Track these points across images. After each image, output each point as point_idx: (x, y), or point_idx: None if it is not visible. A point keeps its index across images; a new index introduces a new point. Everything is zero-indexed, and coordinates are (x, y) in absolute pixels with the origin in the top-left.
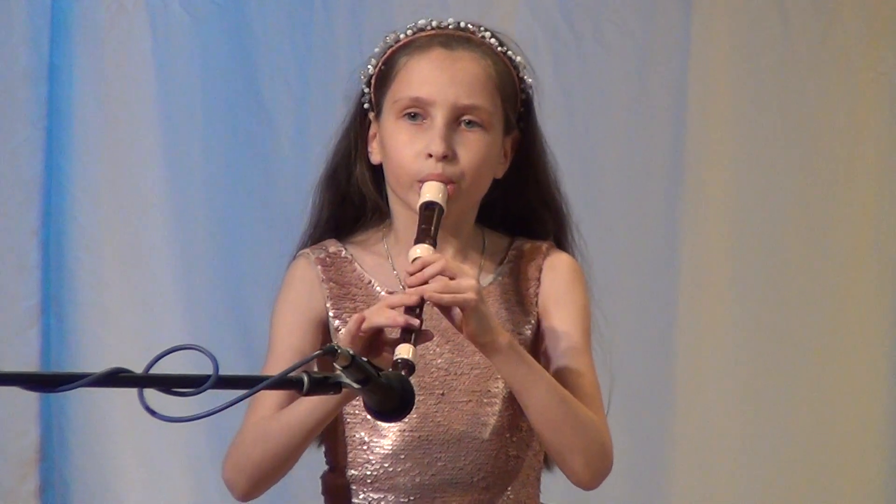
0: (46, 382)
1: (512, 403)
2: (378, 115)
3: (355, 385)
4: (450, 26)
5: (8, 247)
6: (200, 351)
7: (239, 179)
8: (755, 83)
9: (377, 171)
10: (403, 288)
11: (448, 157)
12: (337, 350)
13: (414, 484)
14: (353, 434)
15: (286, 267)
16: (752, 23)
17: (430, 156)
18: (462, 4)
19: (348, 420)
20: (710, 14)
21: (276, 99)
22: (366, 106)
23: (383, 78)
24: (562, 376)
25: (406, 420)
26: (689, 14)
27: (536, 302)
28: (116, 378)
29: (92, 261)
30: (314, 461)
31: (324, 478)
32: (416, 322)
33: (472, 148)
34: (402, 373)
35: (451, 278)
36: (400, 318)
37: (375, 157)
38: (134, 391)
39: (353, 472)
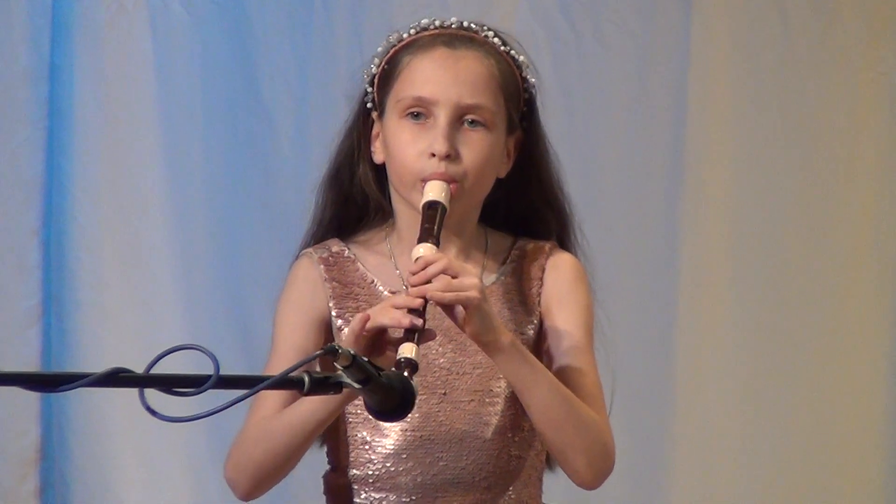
0: (47, 382)
1: (514, 403)
2: (381, 115)
3: (356, 385)
4: (453, 25)
5: (8, 247)
6: (201, 351)
7: (239, 179)
8: (755, 83)
9: (380, 171)
10: (406, 287)
11: (451, 156)
12: (338, 350)
13: (416, 484)
14: (355, 434)
15: (288, 266)
16: (751, 22)
17: (433, 155)
18: (462, 4)
19: (350, 420)
20: (710, 14)
21: (276, 98)
22: (369, 105)
23: (386, 77)
24: (564, 376)
25: (408, 420)
26: (689, 14)
27: (539, 302)
28: (117, 378)
29: (92, 261)
30: (315, 461)
31: (325, 477)
32: (420, 322)
33: (475, 147)
34: (406, 372)
35: (454, 277)
36: (404, 318)
37: (378, 157)
38: (134, 391)
39: (354, 471)
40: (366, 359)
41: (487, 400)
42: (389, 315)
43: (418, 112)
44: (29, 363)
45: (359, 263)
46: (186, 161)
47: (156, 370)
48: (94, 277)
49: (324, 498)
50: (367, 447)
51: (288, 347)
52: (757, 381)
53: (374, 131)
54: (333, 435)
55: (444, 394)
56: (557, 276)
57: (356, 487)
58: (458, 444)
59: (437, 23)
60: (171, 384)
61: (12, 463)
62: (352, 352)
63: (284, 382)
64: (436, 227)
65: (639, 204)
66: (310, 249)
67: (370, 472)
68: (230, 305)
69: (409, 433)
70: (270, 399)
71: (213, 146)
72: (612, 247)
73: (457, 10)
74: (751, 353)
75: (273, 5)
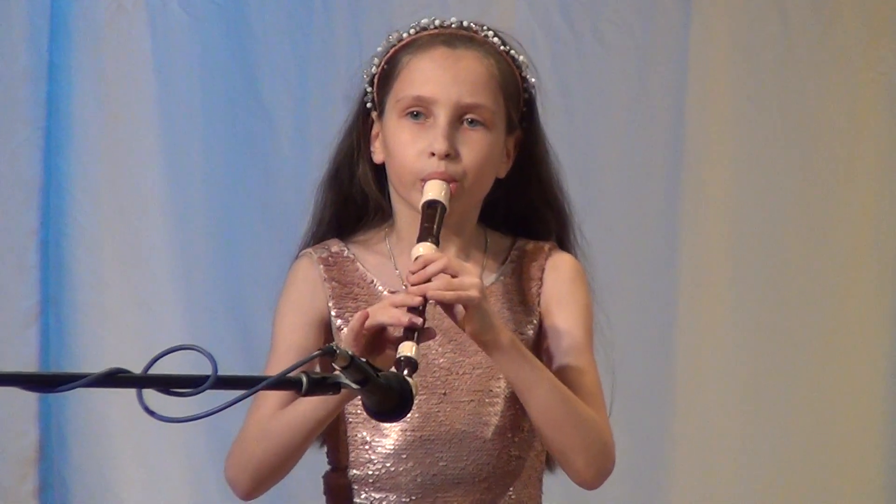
0: (45, 382)
1: (514, 403)
2: (381, 115)
3: (354, 386)
4: (453, 25)
5: (7, 246)
6: (199, 351)
7: (238, 179)
8: (755, 83)
9: (380, 171)
10: (406, 287)
11: (451, 155)
12: (336, 351)
13: (416, 484)
14: (355, 434)
15: (287, 266)
16: (751, 22)
17: (433, 154)
18: (462, 4)
19: (350, 420)
20: (709, 14)
21: (276, 98)
22: (368, 105)
23: (386, 77)
24: (564, 375)
25: (408, 419)
26: (688, 13)
27: (539, 302)
28: (115, 378)
29: (91, 261)
30: (315, 461)
31: (325, 477)
32: (420, 321)
33: (475, 147)
34: (405, 371)
35: (454, 276)
36: (404, 317)
37: (378, 157)
38: (133, 391)
39: (354, 471)
40: (364, 359)
41: (487, 400)
42: (389, 313)
43: (418, 111)
44: (27, 363)
45: (358, 263)
46: (186, 161)
47: (154, 370)
48: (93, 277)
49: (323, 498)
50: (367, 447)
51: (287, 347)
52: (757, 381)
53: (374, 131)
54: (333, 435)
55: (444, 394)
56: (557, 277)
57: (356, 487)
58: (457, 444)
59: (437, 22)
60: (169, 384)
61: (11, 463)
62: (350, 352)
63: (282, 383)
64: (435, 227)
65: (638, 204)
66: (309, 249)
67: (370, 472)
68: (230, 305)
69: (409, 433)
70: (270, 398)
71: (212, 146)
72: (612, 247)
73: (456, 10)
74: (751, 353)
75: (272, 5)
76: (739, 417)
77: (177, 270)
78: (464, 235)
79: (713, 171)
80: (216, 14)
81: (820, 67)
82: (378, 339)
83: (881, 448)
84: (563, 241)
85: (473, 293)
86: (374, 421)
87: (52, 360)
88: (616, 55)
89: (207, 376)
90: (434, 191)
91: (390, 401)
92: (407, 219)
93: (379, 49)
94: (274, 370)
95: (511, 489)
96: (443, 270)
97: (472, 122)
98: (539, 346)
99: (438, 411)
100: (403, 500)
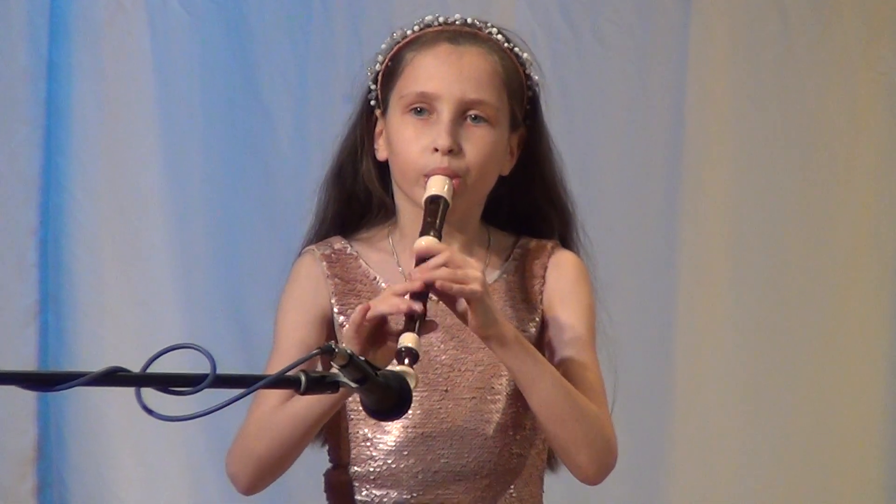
0: (44, 381)
1: (516, 401)
2: (384, 112)
3: (353, 384)
4: (456, 22)
5: (6, 245)
6: (198, 350)
7: (238, 178)
8: (754, 82)
9: (383, 168)
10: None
11: (454, 151)
12: (335, 349)
13: (417, 481)
14: (356, 431)
15: (287, 265)
16: (751, 21)
17: (436, 150)
18: (461, 3)
19: (351, 416)
20: (709, 13)
21: (275, 97)
22: (372, 103)
23: (390, 74)
24: (566, 370)
25: (409, 416)
26: (688, 13)
27: (541, 299)
28: (114, 377)
29: (90, 259)
30: (316, 460)
31: (326, 475)
32: (419, 307)
33: (478, 143)
34: (406, 361)
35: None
36: (402, 304)
37: (382, 154)
38: (132, 390)
39: (356, 468)
40: (365, 356)
41: (489, 397)
42: (389, 302)
43: (421, 108)
44: (26, 362)
45: (361, 260)
46: (185, 160)
47: (153, 369)
48: (93, 276)
49: (324, 496)
50: (368, 444)
51: (290, 344)
52: (756, 380)
53: (378, 129)
54: (335, 432)
55: (446, 390)
56: (560, 275)
57: (357, 484)
58: (459, 441)
59: (441, 19)
60: (168, 383)
61: (10, 462)
62: (349, 351)
63: (281, 382)
64: (438, 221)
65: (638, 204)
66: (312, 246)
67: (371, 469)
68: (229, 305)
69: (410, 430)
70: (272, 394)
71: (212, 145)
72: (612, 246)
73: (456, 9)
74: (750, 352)
75: (272, 4)
76: (739, 417)
77: (176, 269)
78: (467, 232)
79: (713, 171)
80: (216, 13)
81: (820, 67)
82: (379, 332)
83: (881, 448)
84: (566, 240)
85: (476, 287)
86: None
87: (51, 359)
88: (616, 55)
89: (206, 375)
90: (437, 186)
91: (389, 399)
92: (410, 216)
93: (383, 46)
94: (276, 367)
95: (512, 487)
96: (445, 263)
97: (475, 118)
98: (541, 343)
99: (440, 408)
100: (404, 496)
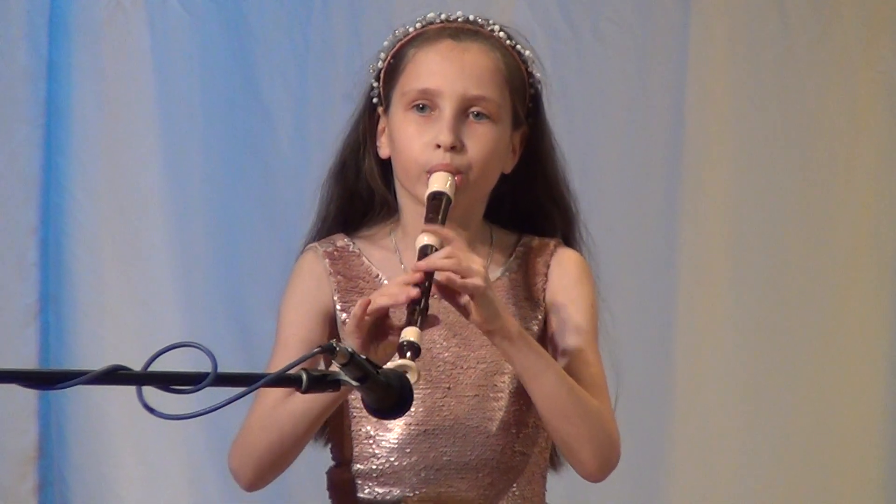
0: (45, 380)
1: (518, 399)
2: (387, 109)
3: (354, 383)
4: (459, 19)
5: (7, 245)
6: (199, 348)
7: (238, 177)
8: (754, 82)
9: (386, 166)
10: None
11: (456, 147)
12: (335, 348)
13: (419, 478)
14: (359, 428)
15: (287, 264)
16: (751, 21)
17: (439, 146)
18: (461, 2)
19: (354, 414)
20: (709, 13)
21: (275, 97)
22: (375, 100)
23: (392, 71)
24: (569, 368)
25: (412, 413)
26: (688, 12)
27: (544, 297)
28: (115, 375)
29: (91, 259)
30: (317, 459)
31: (329, 473)
32: (416, 292)
33: (481, 139)
34: (408, 354)
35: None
36: (402, 295)
37: (384, 152)
38: (132, 389)
39: (358, 466)
40: (366, 354)
41: (491, 395)
42: (388, 291)
43: (424, 104)
44: (27, 361)
45: (364, 258)
46: (185, 159)
47: (154, 368)
48: (93, 276)
49: (326, 494)
50: (371, 441)
51: (292, 341)
52: (756, 380)
53: (380, 126)
54: (337, 430)
55: (449, 388)
56: (562, 273)
57: (359, 482)
58: (461, 439)
59: (443, 16)
60: (168, 382)
61: (11, 461)
62: (350, 349)
63: (282, 381)
64: (440, 217)
65: (638, 204)
66: (315, 244)
67: (374, 467)
68: (229, 304)
69: (413, 427)
70: (274, 389)
71: (212, 144)
72: (612, 246)
73: (455, 7)
74: (750, 352)
75: (272, 4)
76: (739, 417)
77: (176, 269)
78: (469, 230)
79: (713, 171)
80: (215, 12)
81: (820, 67)
82: (381, 326)
83: (881, 448)
84: (569, 238)
85: (478, 281)
86: None
87: (52, 358)
88: (616, 54)
89: (207, 373)
90: (439, 182)
91: (390, 398)
92: (412, 213)
93: (385, 43)
94: (278, 363)
95: (515, 485)
96: (448, 256)
97: (477, 115)
98: (544, 341)
99: (443, 405)
100: (407, 494)
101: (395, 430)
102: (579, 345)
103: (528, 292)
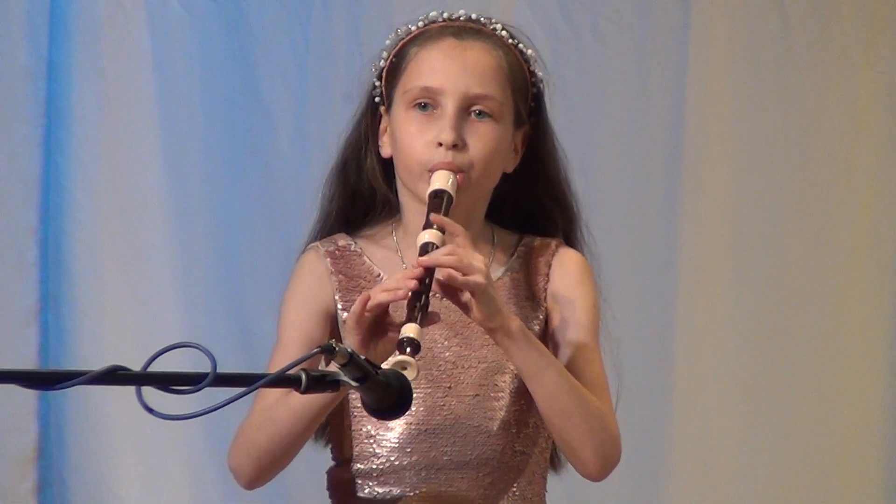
0: (45, 380)
1: (519, 399)
2: (389, 108)
3: (353, 383)
4: (461, 18)
5: (7, 245)
6: (198, 349)
7: (238, 177)
8: (754, 82)
9: (387, 165)
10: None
11: (458, 145)
12: (335, 348)
13: (420, 477)
14: (359, 427)
15: (287, 265)
16: (750, 21)
17: (440, 145)
18: (461, 2)
19: (355, 414)
20: (708, 12)
21: (275, 97)
22: (377, 100)
23: (394, 70)
24: (570, 367)
25: (412, 413)
26: (687, 12)
27: (545, 297)
28: (114, 376)
29: (91, 259)
30: (317, 459)
31: (329, 473)
32: (416, 285)
33: (483, 138)
34: (408, 350)
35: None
36: (401, 289)
37: (386, 151)
38: (132, 389)
39: (359, 465)
40: (365, 353)
41: (492, 394)
42: (387, 286)
43: (426, 103)
44: (27, 361)
45: (365, 257)
46: (185, 159)
47: (153, 368)
48: (93, 276)
49: (326, 494)
50: (371, 441)
51: (293, 339)
52: (756, 380)
53: (382, 125)
54: (338, 429)
55: (449, 387)
56: (564, 272)
57: (359, 482)
58: (462, 438)
59: (445, 15)
60: (168, 382)
61: (10, 461)
62: (349, 350)
63: (282, 381)
64: (441, 215)
65: (638, 203)
66: (317, 243)
67: (374, 466)
68: (229, 304)
69: (413, 426)
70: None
71: (211, 144)
72: (611, 246)
73: (455, 7)
74: (750, 352)
75: (272, 4)
76: (739, 417)
77: (176, 269)
78: (471, 229)
79: (713, 171)
80: (215, 12)
81: (820, 67)
82: (381, 323)
83: (881, 448)
84: (570, 238)
85: (479, 279)
86: None
87: (52, 359)
88: (616, 54)
89: (207, 374)
90: (441, 180)
91: (389, 398)
92: (414, 213)
93: (387, 42)
94: (279, 362)
95: (515, 485)
96: (449, 253)
97: (479, 113)
98: (545, 340)
99: (443, 405)
100: (407, 493)
101: (395, 430)
102: (580, 344)
103: (530, 292)
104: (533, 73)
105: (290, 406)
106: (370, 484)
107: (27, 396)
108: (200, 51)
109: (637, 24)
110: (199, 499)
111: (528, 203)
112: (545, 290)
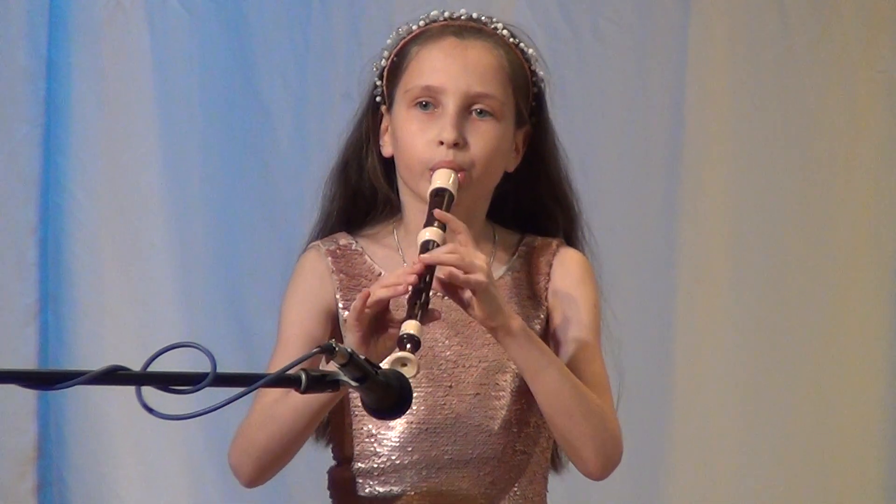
0: (44, 380)
1: (520, 398)
2: (390, 107)
3: (353, 383)
4: (462, 17)
5: (7, 245)
6: (198, 348)
7: (237, 176)
8: (753, 81)
9: (389, 165)
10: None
11: (459, 144)
12: (335, 348)
13: (420, 477)
14: (360, 427)
15: (287, 264)
16: (750, 20)
17: (442, 143)
18: (461, 2)
19: (356, 413)
20: (708, 12)
21: (275, 96)
22: (378, 99)
23: (395, 69)
24: (571, 366)
25: (413, 412)
26: (687, 12)
27: (546, 296)
28: (114, 376)
29: (90, 259)
30: (318, 458)
31: (330, 472)
32: (416, 280)
33: (484, 137)
34: (408, 347)
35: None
36: (401, 285)
37: (387, 150)
38: (132, 389)
39: (359, 464)
40: (365, 351)
41: (493, 393)
42: (387, 281)
43: (427, 102)
44: (26, 361)
45: (366, 256)
46: (185, 159)
47: (153, 368)
48: (92, 275)
49: (327, 493)
50: (372, 440)
51: (294, 339)
52: (756, 380)
53: (384, 125)
54: (339, 429)
55: (450, 386)
56: (565, 272)
57: (360, 481)
58: (463, 437)
59: (447, 14)
60: (168, 382)
61: (10, 461)
62: (349, 350)
63: (281, 381)
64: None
65: (638, 203)
66: (318, 242)
67: (375, 465)
68: (229, 303)
69: (414, 425)
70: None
71: (211, 144)
72: (611, 246)
73: (455, 7)
74: (750, 352)
75: (272, 4)
76: (739, 417)
77: (175, 268)
78: (472, 228)
79: (713, 171)
80: (215, 11)
81: (820, 67)
82: (381, 320)
83: (881, 448)
84: (571, 238)
85: (481, 277)
86: None
87: (51, 358)
88: (615, 54)
89: (206, 374)
90: (442, 179)
91: (389, 398)
92: (415, 212)
93: (388, 42)
94: (280, 361)
95: (516, 485)
96: (451, 251)
97: (480, 112)
98: (546, 340)
99: (444, 404)
100: (408, 492)
101: (396, 429)
102: (581, 344)
103: (531, 291)
104: (534, 73)
105: (290, 404)
106: (371, 483)
107: (27, 396)
108: (200, 51)
109: (637, 24)
110: (198, 498)
111: (530, 203)
112: (546, 289)
